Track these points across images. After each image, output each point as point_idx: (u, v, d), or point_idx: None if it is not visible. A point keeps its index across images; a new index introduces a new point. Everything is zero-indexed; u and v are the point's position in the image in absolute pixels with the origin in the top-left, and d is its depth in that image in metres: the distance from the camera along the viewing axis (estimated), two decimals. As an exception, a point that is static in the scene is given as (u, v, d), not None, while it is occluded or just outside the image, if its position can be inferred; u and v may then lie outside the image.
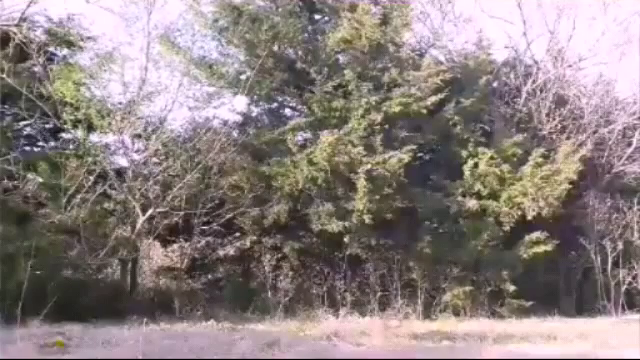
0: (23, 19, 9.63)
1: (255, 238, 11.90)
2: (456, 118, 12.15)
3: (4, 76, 9.37)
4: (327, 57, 12.12)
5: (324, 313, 9.96)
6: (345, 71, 11.64)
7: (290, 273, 11.66)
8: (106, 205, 10.88)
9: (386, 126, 11.49)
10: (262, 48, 11.51)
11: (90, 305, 9.36)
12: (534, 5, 14.10)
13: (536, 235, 11.76)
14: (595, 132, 13.61)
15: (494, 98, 13.28)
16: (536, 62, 14.21)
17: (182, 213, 10.67)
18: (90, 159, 10.05)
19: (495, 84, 13.63)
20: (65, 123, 9.99)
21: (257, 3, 12.41)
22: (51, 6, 10.82)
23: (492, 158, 12.00)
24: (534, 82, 13.64)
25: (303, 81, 11.95)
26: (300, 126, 11.90)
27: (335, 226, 10.97)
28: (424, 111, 11.65)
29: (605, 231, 12.69)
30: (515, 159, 12.23)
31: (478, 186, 11.98)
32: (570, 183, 11.93)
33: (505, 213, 11.82)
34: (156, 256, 12.88)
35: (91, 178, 10.04)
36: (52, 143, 11.13)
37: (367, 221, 10.86)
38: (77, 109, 10.00)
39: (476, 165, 12.04)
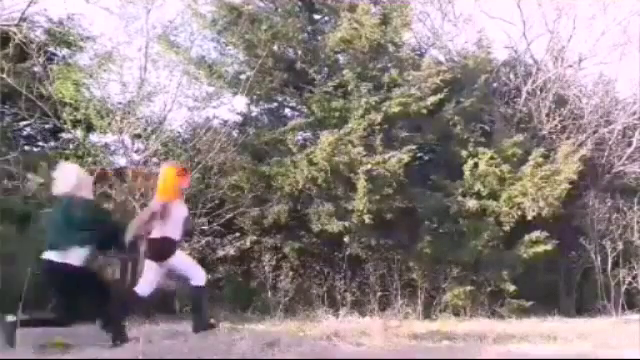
0: (23, 19, 9.64)
1: (255, 238, 11.89)
2: (456, 118, 12.15)
3: (4, 76, 9.37)
4: (327, 57, 12.12)
5: (324, 313, 9.94)
6: (345, 71, 11.64)
7: (290, 273, 11.63)
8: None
9: (386, 126, 11.48)
10: (261, 48, 11.50)
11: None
12: (534, 5, 14.13)
13: (536, 235, 11.76)
14: (595, 132, 13.60)
15: (494, 98, 13.28)
16: (536, 62, 14.22)
17: (182, 213, 10.66)
18: (90, 159, 10.05)
19: (495, 84, 13.63)
20: (65, 123, 9.99)
21: (256, 3, 12.41)
22: (51, 6, 10.84)
23: (492, 158, 11.99)
24: (534, 82, 13.64)
25: (303, 81, 11.95)
26: (300, 126, 11.90)
27: (335, 226, 10.97)
28: (424, 111, 11.65)
29: (605, 231, 12.67)
30: (515, 159, 12.22)
31: (478, 186, 11.98)
32: (570, 183, 11.93)
33: (505, 213, 11.82)
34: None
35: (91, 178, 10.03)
36: (52, 143, 11.14)
37: (367, 221, 10.86)
38: (77, 109, 9.99)
39: (476, 165, 12.04)
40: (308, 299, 11.24)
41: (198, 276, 6.16)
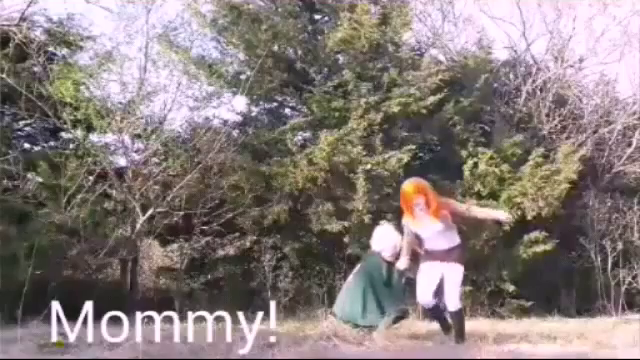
0: (23, 19, 9.66)
1: (255, 238, 11.89)
2: (456, 118, 12.15)
3: (4, 76, 9.38)
4: (326, 57, 12.11)
5: (324, 313, 9.93)
6: (344, 71, 11.63)
7: (290, 273, 11.65)
8: (106, 205, 10.88)
9: (386, 126, 11.48)
10: (262, 48, 11.50)
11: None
12: (534, 5, 14.12)
13: (535, 235, 11.76)
14: (595, 132, 13.59)
15: (494, 98, 13.27)
16: (536, 62, 14.20)
17: (182, 213, 10.68)
18: (90, 159, 10.05)
19: (495, 84, 13.61)
20: (65, 123, 9.99)
21: (257, 3, 12.40)
22: (51, 6, 10.86)
23: (492, 158, 11.99)
24: (534, 82, 13.63)
25: (303, 81, 11.94)
26: (300, 126, 11.90)
27: (335, 226, 10.97)
28: (424, 111, 11.64)
29: (605, 231, 12.65)
30: (515, 159, 12.22)
31: (478, 186, 11.97)
32: (570, 183, 11.93)
33: (505, 213, 11.81)
34: (156, 256, 12.89)
35: (91, 178, 10.05)
36: (52, 143, 11.13)
37: (367, 221, 10.84)
38: (77, 109, 10.00)
39: (476, 165, 12.04)
40: (308, 299, 11.23)
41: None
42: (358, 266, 6.70)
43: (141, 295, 11.33)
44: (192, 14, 11.76)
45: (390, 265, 6.40)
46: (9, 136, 10.53)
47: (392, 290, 6.24)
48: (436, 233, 5.94)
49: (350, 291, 6.27)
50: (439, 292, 6.06)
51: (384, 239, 6.69)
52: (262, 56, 11.37)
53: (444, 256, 5.98)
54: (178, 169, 10.63)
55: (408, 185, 6.08)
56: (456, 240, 6.09)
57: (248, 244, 12.06)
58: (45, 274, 9.13)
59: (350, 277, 6.60)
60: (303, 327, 7.45)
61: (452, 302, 5.91)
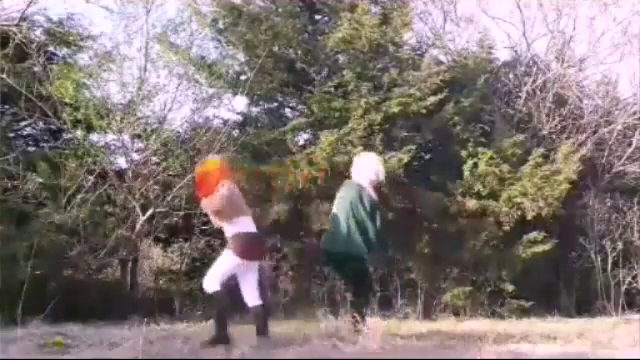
0: (23, 19, 9.66)
1: (255, 238, 11.86)
2: (456, 118, 12.15)
3: (4, 76, 9.38)
4: (327, 57, 12.11)
5: (324, 313, 9.93)
6: (344, 71, 11.63)
7: (290, 273, 11.64)
8: (106, 205, 10.88)
9: (386, 126, 11.48)
10: (262, 48, 11.50)
11: (90, 305, 9.37)
12: (535, 5, 14.13)
13: (534, 235, 11.77)
14: (595, 132, 13.60)
15: (494, 98, 13.27)
16: (536, 62, 14.21)
17: (182, 213, 10.67)
18: (90, 159, 10.05)
19: (495, 84, 13.62)
20: (65, 123, 9.99)
21: (257, 3, 12.40)
22: (51, 6, 10.86)
23: (492, 158, 11.99)
24: (534, 82, 13.63)
25: (303, 81, 11.94)
26: (300, 126, 11.89)
27: (335, 226, 10.95)
28: (424, 111, 11.64)
29: (605, 231, 12.67)
30: (515, 159, 12.22)
31: (478, 186, 11.97)
32: (570, 183, 11.93)
33: (505, 213, 11.82)
34: (156, 256, 12.89)
35: (91, 178, 10.05)
36: (52, 143, 11.13)
37: (367, 221, 10.85)
38: (76, 109, 10.00)
39: (476, 165, 12.04)
40: (308, 299, 11.23)
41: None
42: (338, 196, 6.59)
43: (141, 295, 11.33)
44: (192, 14, 11.76)
45: (370, 196, 6.33)
46: (9, 136, 10.52)
47: (373, 222, 6.20)
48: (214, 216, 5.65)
49: (334, 221, 6.24)
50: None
51: (364, 167, 6.59)
52: (262, 56, 11.37)
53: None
54: (178, 169, 10.63)
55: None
56: (236, 229, 5.70)
57: (248, 244, 12.03)
58: (45, 274, 9.13)
59: (333, 209, 6.57)
60: (303, 327, 7.46)
61: (206, 283, 5.60)
